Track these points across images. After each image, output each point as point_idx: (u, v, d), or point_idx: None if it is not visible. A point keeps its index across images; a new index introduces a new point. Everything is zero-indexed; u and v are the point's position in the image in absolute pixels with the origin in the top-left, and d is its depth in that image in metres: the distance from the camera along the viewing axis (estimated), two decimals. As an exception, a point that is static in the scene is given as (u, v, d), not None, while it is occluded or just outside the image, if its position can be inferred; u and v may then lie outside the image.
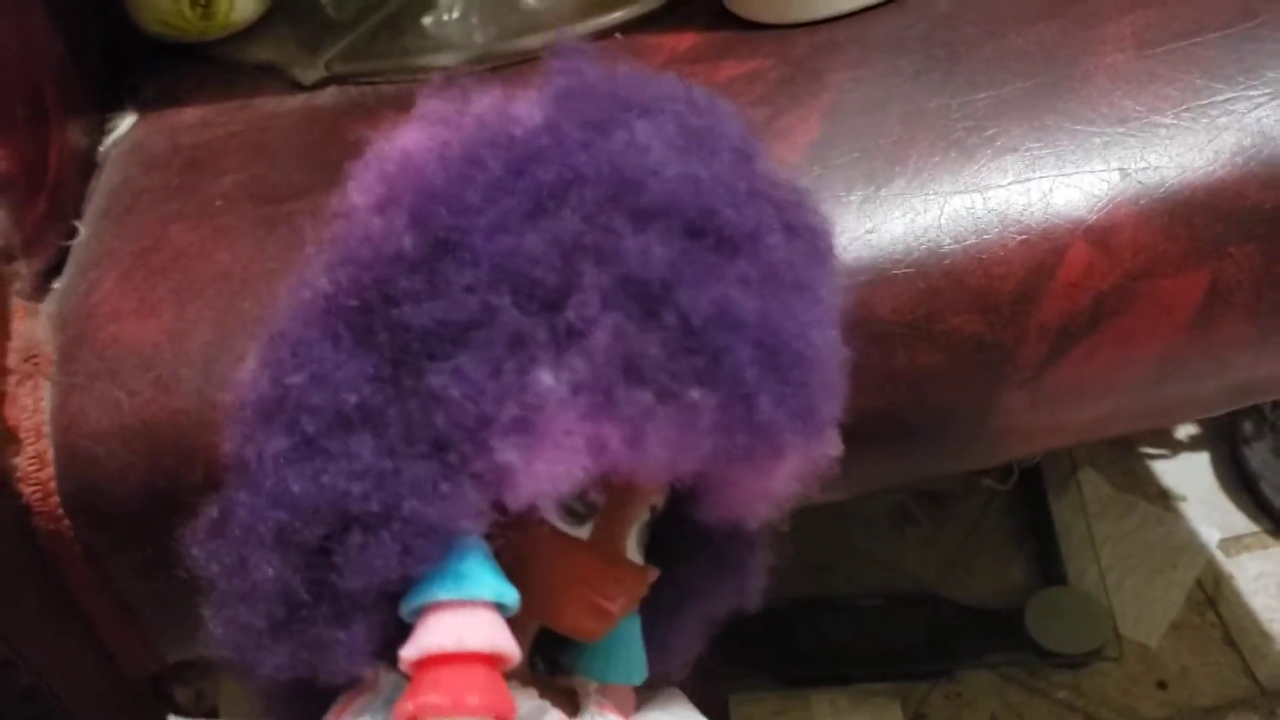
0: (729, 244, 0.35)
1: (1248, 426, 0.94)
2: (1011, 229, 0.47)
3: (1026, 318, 0.47)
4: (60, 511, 0.48)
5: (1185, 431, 0.97)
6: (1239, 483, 0.93)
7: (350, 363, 0.35)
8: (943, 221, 0.47)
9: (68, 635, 0.52)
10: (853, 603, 0.89)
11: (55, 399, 0.49)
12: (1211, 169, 0.47)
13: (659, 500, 0.40)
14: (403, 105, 0.39)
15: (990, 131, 0.49)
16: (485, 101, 0.38)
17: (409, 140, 0.37)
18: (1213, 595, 0.88)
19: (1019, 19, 0.53)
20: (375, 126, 0.38)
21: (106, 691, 0.56)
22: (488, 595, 0.34)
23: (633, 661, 0.42)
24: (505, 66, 0.60)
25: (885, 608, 0.88)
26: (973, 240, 0.47)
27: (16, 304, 0.51)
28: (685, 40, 0.58)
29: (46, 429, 0.48)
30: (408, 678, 0.34)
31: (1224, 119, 0.48)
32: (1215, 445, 0.96)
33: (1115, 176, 0.47)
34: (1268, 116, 0.48)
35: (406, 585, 0.34)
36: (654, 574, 0.40)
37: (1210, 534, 0.91)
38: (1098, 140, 0.48)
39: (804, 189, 0.40)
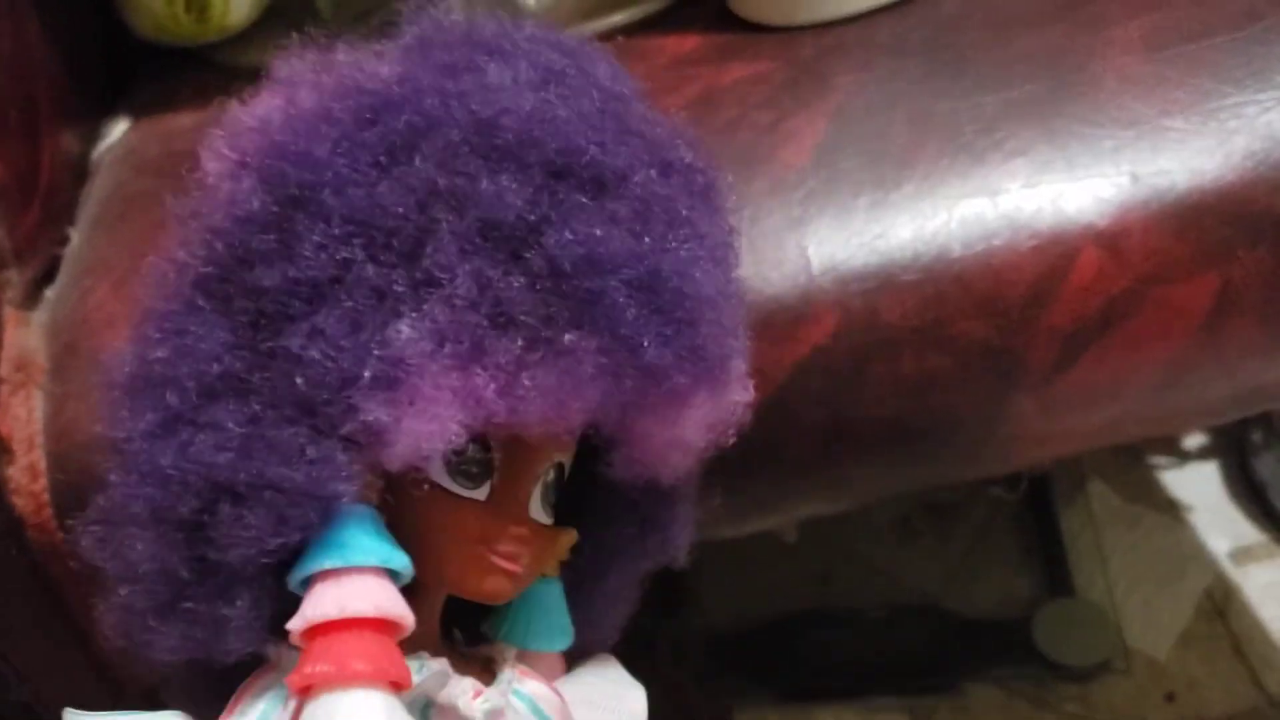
0: (595, 183, 0.34)
1: (1257, 436, 0.94)
2: (1022, 233, 0.46)
3: (1036, 322, 0.46)
4: (54, 524, 0.48)
5: (1194, 441, 0.97)
6: (1248, 493, 0.93)
7: (211, 332, 0.34)
8: (952, 226, 0.47)
9: (63, 647, 0.52)
10: (856, 614, 0.88)
11: (48, 409, 0.48)
12: (1222, 173, 0.47)
13: (565, 458, 0.39)
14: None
15: (999, 135, 0.48)
16: (341, 60, 0.37)
17: (261, 104, 0.36)
18: (1221, 606, 0.87)
19: (1026, 22, 0.53)
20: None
21: (103, 704, 0.55)
22: (373, 561, 0.33)
23: (554, 627, 0.41)
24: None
25: (888, 619, 0.88)
26: (982, 245, 0.46)
27: (9, 312, 0.51)
28: (689, 42, 0.58)
29: (39, 439, 0.48)
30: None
31: (1234, 123, 0.47)
32: (1224, 455, 0.96)
33: (1126, 180, 0.47)
34: (1277, 120, 0.47)
35: (291, 556, 0.33)
36: (569, 535, 0.39)
37: (1219, 544, 0.91)
38: (1108, 144, 0.48)
39: (684, 128, 0.39)
